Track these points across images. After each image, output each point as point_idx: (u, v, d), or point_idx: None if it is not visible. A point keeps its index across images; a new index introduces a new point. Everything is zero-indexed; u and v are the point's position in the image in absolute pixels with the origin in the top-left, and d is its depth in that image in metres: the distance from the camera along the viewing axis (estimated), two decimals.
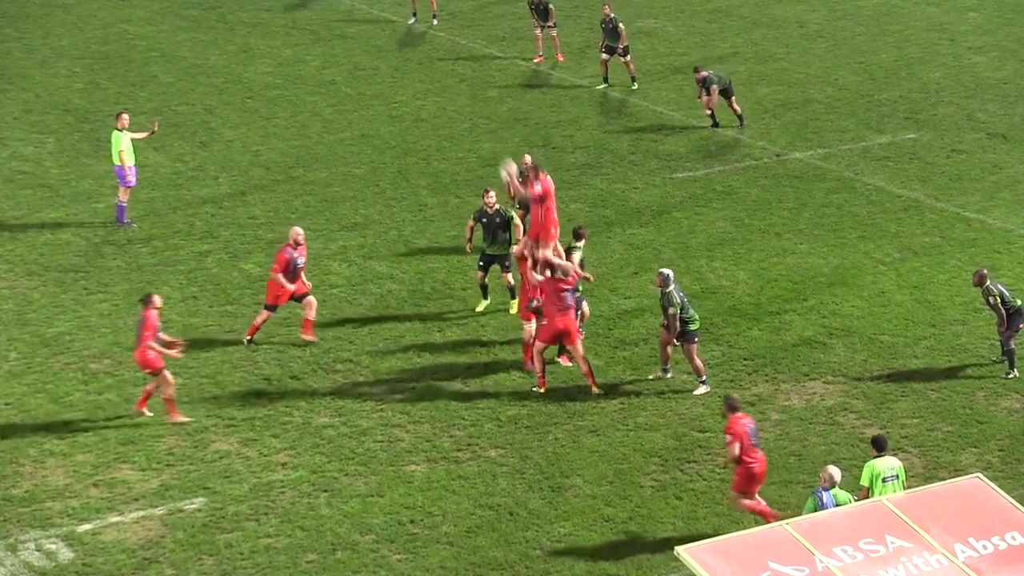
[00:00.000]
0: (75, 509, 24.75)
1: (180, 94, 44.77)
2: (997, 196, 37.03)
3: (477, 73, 46.51)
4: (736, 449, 23.52)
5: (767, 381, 28.62)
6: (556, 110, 43.23)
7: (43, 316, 31.35)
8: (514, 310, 30.69)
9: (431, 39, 50.03)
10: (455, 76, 46.21)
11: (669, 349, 28.43)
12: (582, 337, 28.56)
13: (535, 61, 47.12)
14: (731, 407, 24.09)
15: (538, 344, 28.17)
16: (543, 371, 28.27)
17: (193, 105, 43.88)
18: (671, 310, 27.82)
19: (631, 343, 30.01)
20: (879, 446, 23.04)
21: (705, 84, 40.97)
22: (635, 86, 44.58)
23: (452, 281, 32.78)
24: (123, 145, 35.22)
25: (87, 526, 24.33)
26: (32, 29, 50.97)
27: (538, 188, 28.54)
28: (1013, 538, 20.13)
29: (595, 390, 28.02)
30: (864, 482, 22.72)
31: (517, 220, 31.00)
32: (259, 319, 30.01)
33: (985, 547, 19.96)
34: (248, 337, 29.97)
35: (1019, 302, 28.80)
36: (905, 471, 23.17)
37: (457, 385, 28.62)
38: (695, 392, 28.08)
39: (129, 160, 35.29)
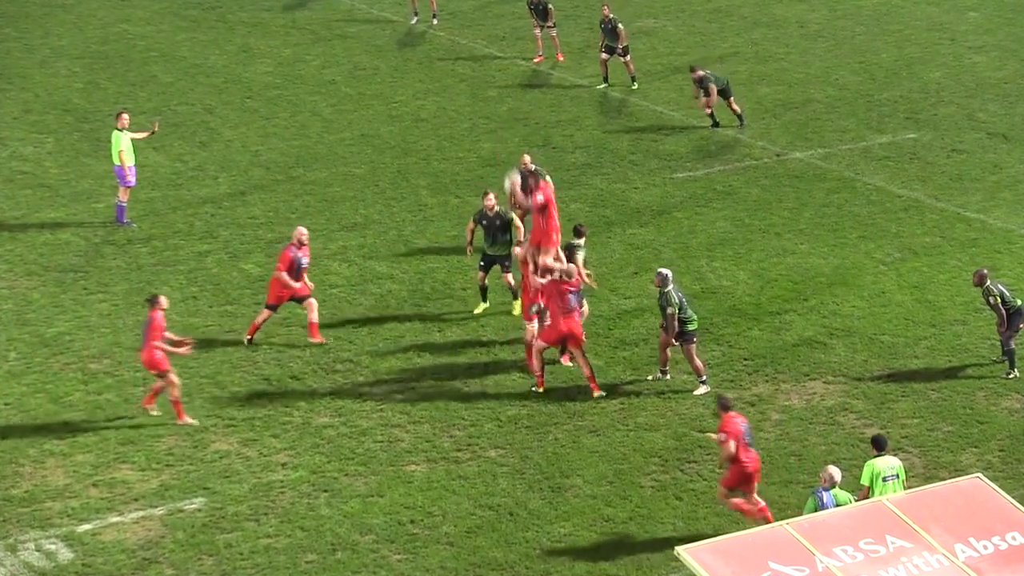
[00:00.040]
0: (75, 509, 24.73)
1: (180, 94, 44.76)
2: (998, 196, 37.02)
3: (477, 73, 46.50)
4: (732, 447, 23.52)
5: (767, 381, 28.61)
6: (556, 110, 43.21)
7: (43, 316, 31.34)
8: (517, 311, 30.67)
9: (431, 39, 50.02)
10: (455, 76, 46.20)
11: (668, 351, 28.42)
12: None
13: (535, 61, 47.11)
14: (724, 406, 24.12)
15: (539, 343, 28.15)
16: (542, 371, 28.26)
17: (193, 105, 43.87)
18: (669, 310, 27.81)
19: (631, 343, 29.99)
20: (879, 445, 23.04)
21: (702, 84, 40.95)
22: (635, 86, 44.57)
23: (452, 281, 32.76)
24: (123, 145, 35.21)
25: (87, 526, 24.32)
26: (32, 29, 50.96)
27: (540, 197, 28.67)
28: (1013, 538, 20.12)
29: (596, 393, 27.98)
30: (864, 481, 22.72)
31: (518, 221, 30.98)
32: (260, 318, 30.00)
33: (985, 547, 19.95)
34: (248, 336, 29.95)
35: (1019, 302, 28.79)
36: (905, 471, 23.18)
37: (457, 385, 28.60)
38: (695, 392, 28.06)
39: (129, 160, 35.28)
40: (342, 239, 34.88)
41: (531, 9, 47.11)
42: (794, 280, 32.69)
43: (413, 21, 51.30)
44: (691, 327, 28.01)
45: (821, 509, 21.67)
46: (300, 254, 29.70)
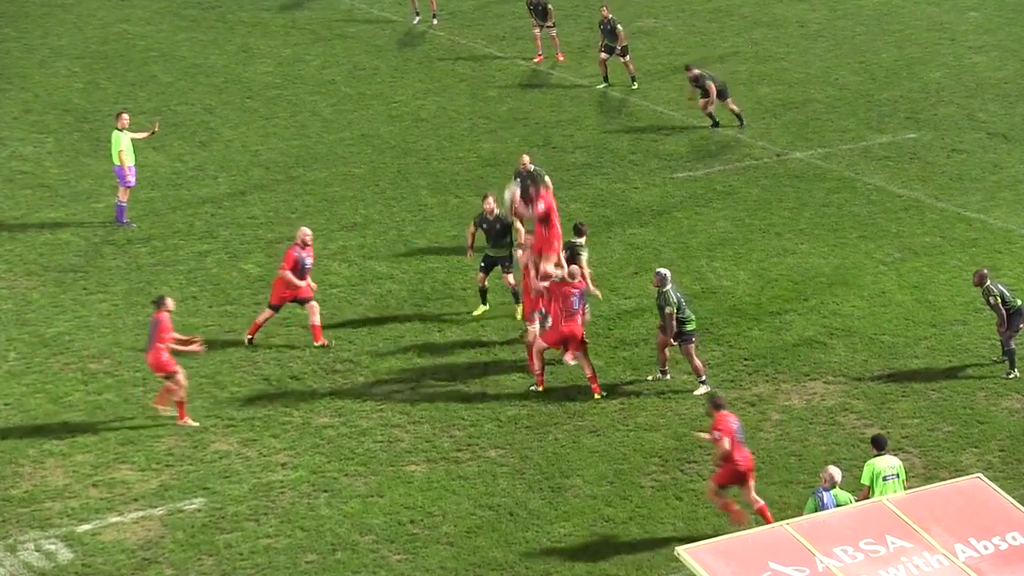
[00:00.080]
0: (74, 509, 24.72)
1: (179, 94, 44.74)
2: (998, 196, 37.00)
3: (477, 73, 46.49)
4: (727, 444, 23.54)
5: (767, 381, 28.60)
6: (556, 110, 43.20)
7: (42, 316, 31.33)
8: (519, 316, 30.62)
9: (431, 39, 50.00)
10: (455, 76, 46.19)
11: (667, 351, 28.41)
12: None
13: (535, 61, 47.10)
14: (716, 405, 24.16)
15: (540, 344, 28.15)
16: (542, 370, 28.25)
17: (192, 105, 43.86)
18: (668, 309, 27.81)
19: (631, 343, 29.98)
20: (879, 445, 23.04)
21: (697, 82, 40.97)
22: (635, 86, 44.56)
23: (452, 281, 32.75)
24: (123, 145, 35.20)
25: (86, 526, 24.30)
26: (31, 29, 50.95)
27: (541, 206, 28.72)
28: (1014, 538, 20.10)
29: (597, 395, 27.97)
30: (865, 480, 22.72)
31: (518, 224, 30.98)
32: (261, 317, 29.98)
33: (986, 547, 19.93)
34: (249, 336, 29.93)
35: (1019, 302, 28.77)
36: (905, 471, 23.18)
37: (457, 385, 28.59)
38: (695, 392, 28.04)
39: (129, 160, 35.27)
40: (342, 239, 34.87)
41: (530, 9, 47.10)
42: (794, 280, 32.68)
43: (415, 21, 51.29)
44: (689, 327, 28.01)
45: (821, 509, 21.67)
46: (304, 254, 29.68)
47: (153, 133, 36.83)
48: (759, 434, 26.68)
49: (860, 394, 28.06)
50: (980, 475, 21.62)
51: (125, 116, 35.51)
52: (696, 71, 41.10)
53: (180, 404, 27.14)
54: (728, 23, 51.31)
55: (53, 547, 23.83)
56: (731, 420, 23.85)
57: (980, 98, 43.70)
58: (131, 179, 35.44)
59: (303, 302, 29.81)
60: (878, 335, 30.20)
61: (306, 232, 29.91)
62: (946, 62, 46.94)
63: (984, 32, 49.97)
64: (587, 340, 28.30)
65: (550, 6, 46.66)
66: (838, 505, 21.79)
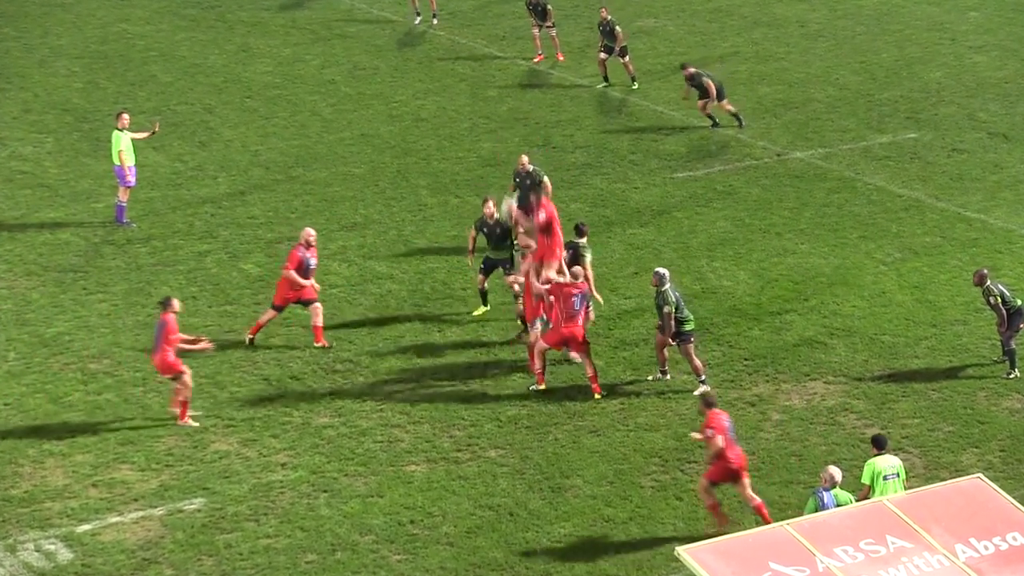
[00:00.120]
0: (74, 509, 24.70)
1: (179, 93, 44.73)
2: (998, 196, 36.99)
3: (477, 73, 46.47)
4: (719, 441, 23.55)
5: (768, 381, 28.58)
6: (556, 110, 43.19)
7: (42, 316, 31.31)
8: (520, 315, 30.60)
9: (431, 39, 49.99)
10: (455, 76, 46.18)
11: (666, 351, 28.41)
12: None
13: (535, 61, 47.08)
14: (708, 403, 24.19)
15: (541, 345, 28.15)
16: (543, 369, 28.24)
17: (192, 105, 43.84)
18: (666, 308, 27.80)
19: (631, 343, 29.96)
20: (879, 444, 23.04)
21: (693, 81, 40.98)
22: (635, 86, 44.54)
23: (452, 281, 32.73)
24: (123, 145, 35.18)
25: (86, 527, 24.29)
26: (31, 28, 50.94)
27: (542, 216, 28.70)
28: (1014, 538, 20.09)
29: (597, 395, 27.95)
30: (865, 480, 22.71)
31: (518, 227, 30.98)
32: (264, 318, 29.94)
33: (986, 547, 19.92)
34: (250, 336, 29.90)
35: (1019, 302, 28.76)
36: (906, 471, 23.17)
37: (457, 385, 28.58)
38: (695, 392, 27.99)
39: (129, 160, 35.26)
40: (342, 239, 34.85)
41: (529, 9, 47.09)
42: (794, 280, 32.66)
43: (416, 22, 51.27)
44: (687, 327, 28.00)
45: (822, 509, 21.66)
46: (308, 255, 29.66)
47: (154, 133, 36.82)
48: (759, 434, 26.67)
49: (860, 394, 28.04)
50: (980, 475, 21.62)
51: (125, 116, 35.50)
52: (692, 69, 41.12)
53: (184, 404, 27.12)
54: (728, 23, 51.30)
55: (53, 547, 23.81)
56: (723, 418, 23.88)
57: (980, 98, 43.69)
58: (131, 179, 35.43)
59: (307, 303, 29.78)
60: (878, 335, 30.19)
61: (310, 232, 29.88)
62: (946, 62, 46.92)
63: (984, 32, 49.95)
64: (589, 340, 28.27)
65: (549, 6, 46.65)
66: (838, 505, 21.77)
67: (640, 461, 26.00)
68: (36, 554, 23.66)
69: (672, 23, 51.37)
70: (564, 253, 29.03)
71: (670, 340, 28.05)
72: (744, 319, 30.92)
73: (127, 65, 47.27)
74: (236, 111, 43.36)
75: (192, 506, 24.81)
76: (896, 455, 23.72)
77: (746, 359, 29.37)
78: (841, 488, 22.34)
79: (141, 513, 24.63)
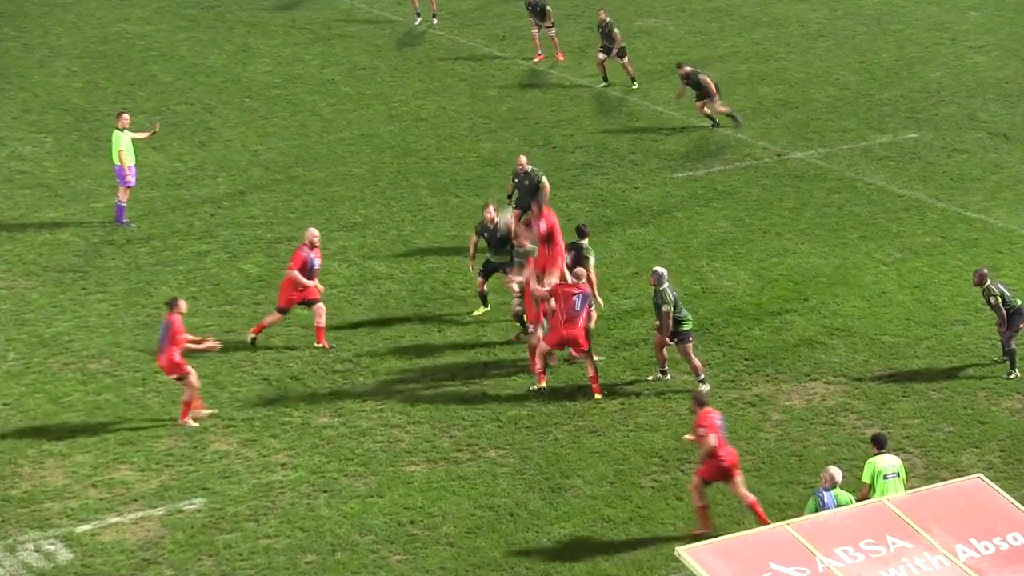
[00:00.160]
0: (74, 510, 24.68)
1: (179, 93, 44.72)
2: (998, 196, 36.98)
3: (477, 73, 46.47)
4: (712, 440, 23.56)
5: (768, 381, 28.57)
6: (556, 110, 43.18)
7: (41, 316, 31.30)
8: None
9: (431, 39, 49.98)
10: (455, 76, 46.17)
11: (665, 351, 28.40)
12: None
13: (535, 61, 47.08)
14: (699, 402, 24.22)
15: (542, 346, 28.15)
16: (544, 369, 28.23)
17: (192, 104, 43.84)
18: (664, 307, 27.79)
19: (631, 343, 29.95)
20: (879, 444, 23.04)
21: (689, 80, 40.97)
22: (635, 86, 44.52)
23: (452, 281, 32.72)
24: (123, 145, 35.17)
25: (86, 527, 24.27)
26: (31, 28, 50.93)
27: (543, 225, 28.69)
28: (1015, 539, 20.08)
29: (597, 395, 27.94)
30: (866, 479, 22.71)
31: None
32: (268, 319, 29.88)
33: (987, 548, 19.92)
34: (252, 335, 29.87)
35: (1020, 302, 28.75)
36: (906, 471, 23.16)
37: (457, 385, 28.57)
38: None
39: (129, 160, 35.25)
40: (342, 239, 34.84)
41: (529, 10, 47.08)
42: (795, 280, 32.65)
43: (416, 22, 51.25)
44: (685, 326, 27.99)
45: (822, 509, 21.65)
46: (312, 255, 29.63)
47: (154, 133, 36.81)
48: (759, 434, 26.66)
49: (861, 394, 28.03)
50: (981, 475, 21.61)
51: (125, 116, 35.49)
52: (688, 68, 41.14)
53: (186, 405, 27.10)
54: (728, 23, 51.29)
55: (52, 547, 23.80)
56: (714, 416, 23.89)
57: (981, 98, 43.68)
58: (131, 179, 35.42)
59: (310, 304, 29.75)
60: (879, 335, 30.17)
61: (314, 233, 29.85)
62: (947, 62, 46.91)
63: (985, 32, 49.95)
64: (590, 340, 28.25)
65: (548, 7, 46.64)
66: (838, 505, 21.76)
67: (640, 461, 25.99)
68: (36, 554, 23.64)
69: (672, 23, 51.36)
70: (567, 256, 29.00)
71: (669, 340, 28.04)
72: (744, 319, 30.91)
73: (127, 65, 47.27)
74: (236, 111, 43.35)
75: (192, 506, 24.80)
76: (896, 455, 23.71)
77: (746, 359, 29.36)
78: (841, 488, 22.33)
79: (141, 513, 24.62)
